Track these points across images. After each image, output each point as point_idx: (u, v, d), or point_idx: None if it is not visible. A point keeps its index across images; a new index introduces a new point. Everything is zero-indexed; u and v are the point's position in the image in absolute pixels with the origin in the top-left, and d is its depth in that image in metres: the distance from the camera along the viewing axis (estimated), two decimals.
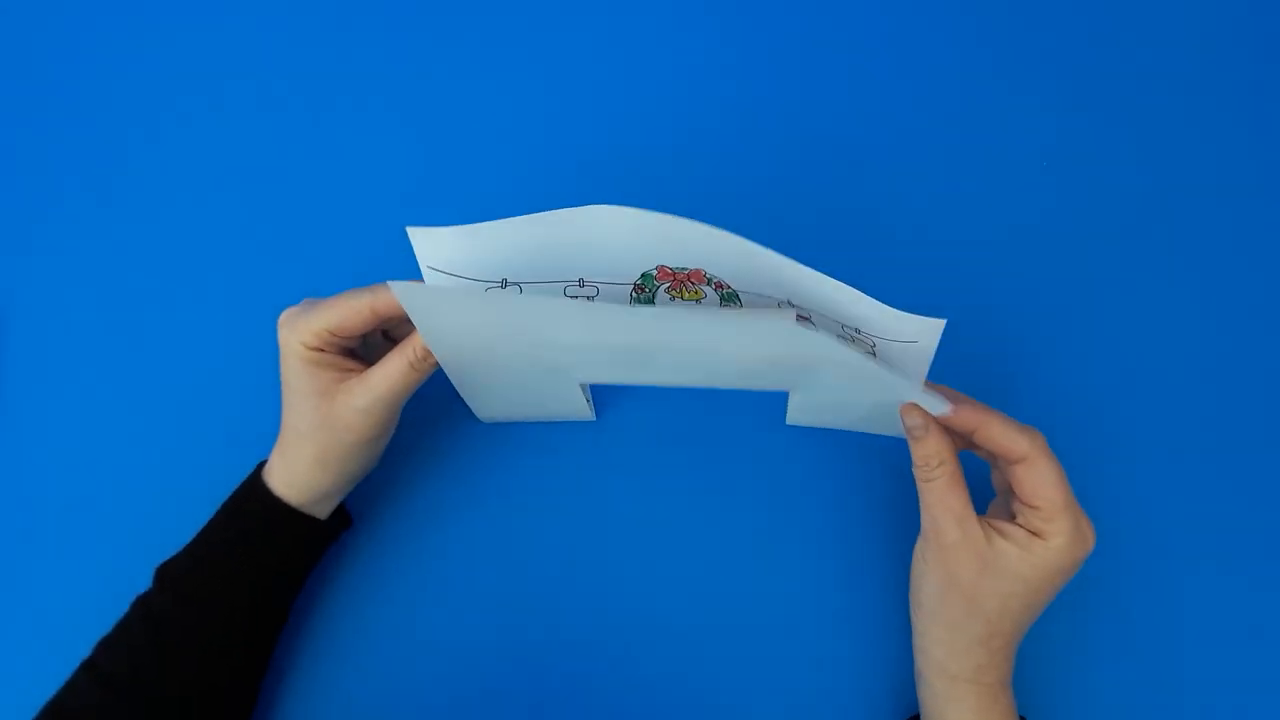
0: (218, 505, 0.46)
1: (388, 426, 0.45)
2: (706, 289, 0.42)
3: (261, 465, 0.46)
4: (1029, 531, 0.38)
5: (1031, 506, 0.37)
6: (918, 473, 0.40)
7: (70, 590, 0.52)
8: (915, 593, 0.42)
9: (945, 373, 0.42)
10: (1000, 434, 0.37)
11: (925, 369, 0.41)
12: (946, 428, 0.40)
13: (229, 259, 0.59)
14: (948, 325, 0.36)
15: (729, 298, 0.42)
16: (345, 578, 0.52)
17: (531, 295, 0.41)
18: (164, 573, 0.44)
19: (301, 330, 0.42)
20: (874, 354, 0.41)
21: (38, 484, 0.55)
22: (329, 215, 0.60)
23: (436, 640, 0.51)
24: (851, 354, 0.37)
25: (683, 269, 0.41)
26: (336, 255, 0.58)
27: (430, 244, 0.40)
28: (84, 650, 0.43)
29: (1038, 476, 0.37)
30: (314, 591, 0.51)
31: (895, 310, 0.37)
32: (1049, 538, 0.37)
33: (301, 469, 0.44)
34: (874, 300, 0.36)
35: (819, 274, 0.36)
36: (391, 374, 0.42)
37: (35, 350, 0.58)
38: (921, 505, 0.40)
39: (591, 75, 0.62)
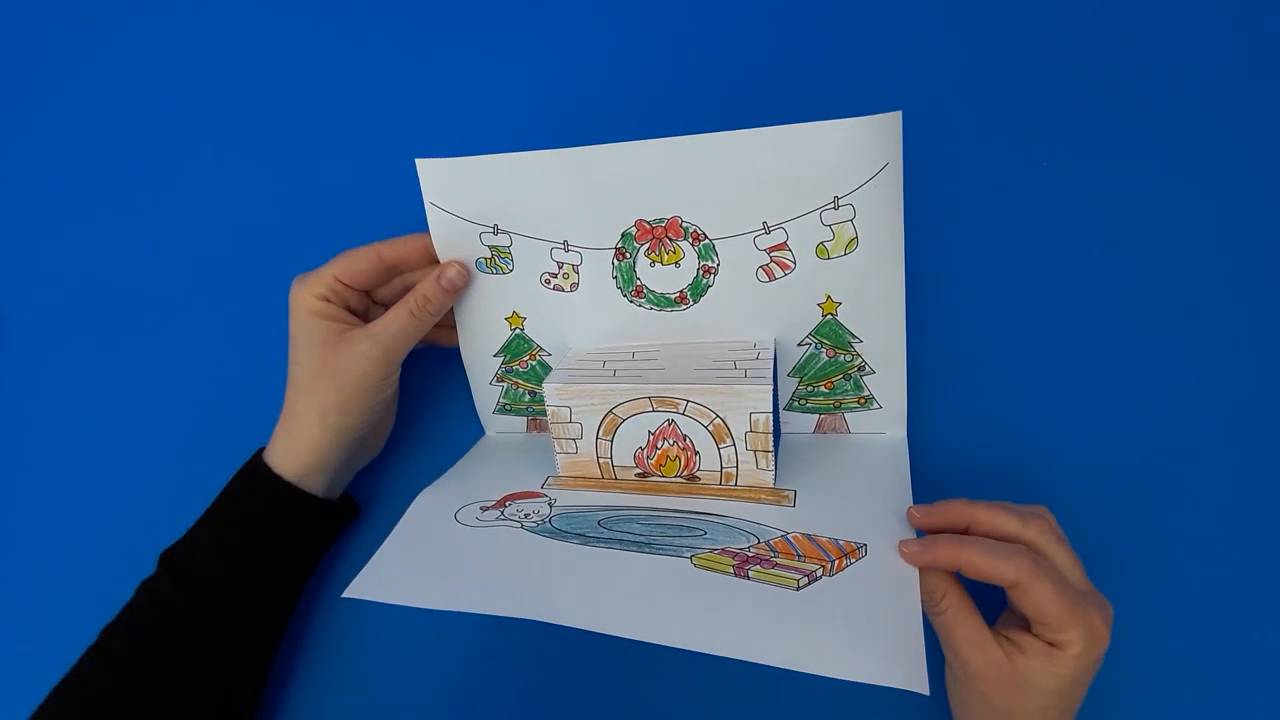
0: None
1: (387, 379, 0.45)
2: (684, 245, 0.44)
3: (262, 450, 0.47)
4: (1046, 643, 0.36)
5: (1040, 623, 0.36)
6: (925, 608, 0.38)
7: (75, 580, 0.53)
8: (956, 717, 0.41)
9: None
10: (984, 566, 0.35)
11: (905, 465, 0.44)
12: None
13: (226, 246, 0.58)
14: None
15: (706, 252, 0.44)
16: (350, 569, 0.48)
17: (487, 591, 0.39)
18: (167, 556, 0.45)
19: (311, 282, 0.45)
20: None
21: (41, 478, 0.56)
22: (328, 194, 0.58)
23: (441, 630, 0.50)
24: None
25: (659, 221, 0.44)
26: (340, 234, 0.54)
27: (435, 177, 0.44)
28: (90, 637, 0.43)
29: (1034, 598, 0.35)
30: (319, 583, 0.51)
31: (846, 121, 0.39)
32: (1065, 647, 0.36)
33: (302, 429, 0.45)
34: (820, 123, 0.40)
35: (775, 129, 0.40)
36: (392, 321, 0.45)
37: (34, 342, 0.59)
38: (939, 637, 0.39)
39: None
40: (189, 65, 0.61)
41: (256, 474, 0.45)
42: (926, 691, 0.30)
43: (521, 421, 0.52)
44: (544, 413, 0.50)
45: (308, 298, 0.45)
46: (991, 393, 0.48)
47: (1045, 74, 0.52)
